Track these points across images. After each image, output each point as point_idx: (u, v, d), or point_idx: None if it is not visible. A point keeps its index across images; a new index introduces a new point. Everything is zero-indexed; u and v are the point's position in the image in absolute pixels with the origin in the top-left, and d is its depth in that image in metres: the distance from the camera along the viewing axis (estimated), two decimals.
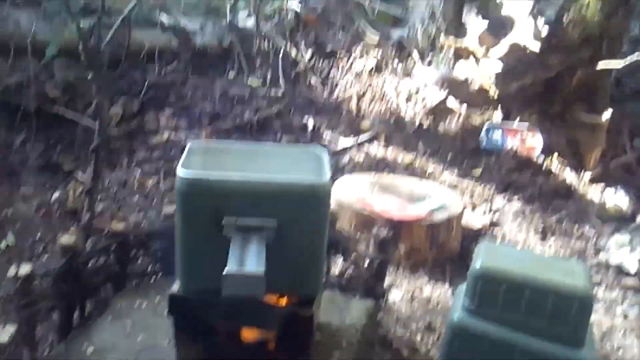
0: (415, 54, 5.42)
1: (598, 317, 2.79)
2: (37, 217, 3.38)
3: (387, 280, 2.27)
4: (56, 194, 3.60)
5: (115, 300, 2.08)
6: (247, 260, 1.40)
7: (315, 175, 1.59)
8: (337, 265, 2.32)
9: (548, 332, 1.51)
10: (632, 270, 3.19)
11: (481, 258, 1.61)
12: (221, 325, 1.74)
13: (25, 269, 1.73)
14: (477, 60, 4.76)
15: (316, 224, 1.59)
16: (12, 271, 1.73)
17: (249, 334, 1.73)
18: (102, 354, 1.78)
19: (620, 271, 3.22)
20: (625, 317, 2.85)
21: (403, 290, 2.80)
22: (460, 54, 5.06)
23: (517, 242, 3.42)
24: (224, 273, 1.37)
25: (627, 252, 3.29)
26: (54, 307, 1.95)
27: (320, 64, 5.51)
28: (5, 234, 3.07)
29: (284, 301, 1.68)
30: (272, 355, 1.70)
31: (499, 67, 4.61)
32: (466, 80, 4.86)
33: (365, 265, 2.23)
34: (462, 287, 1.74)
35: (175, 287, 1.68)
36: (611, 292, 3.05)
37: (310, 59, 5.38)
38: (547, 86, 4.53)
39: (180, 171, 1.55)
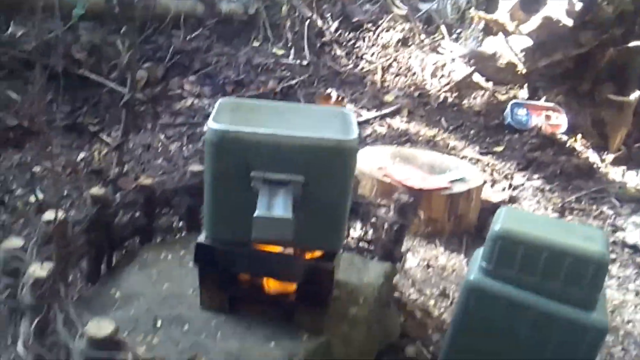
0: (443, 28, 5.38)
1: (611, 292, 2.82)
2: (64, 176, 3.46)
3: (405, 246, 2.30)
4: (82, 154, 3.67)
5: (142, 252, 2.14)
6: (275, 207, 1.45)
7: (343, 133, 1.63)
8: (357, 229, 2.37)
9: (562, 294, 1.54)
10: None
11: (501, 220, 1.63)
12: (245, 275, 1.80)
13: (59, 214, 1.79)
14: (506, 35, 4.71)
15: (342, 180, 1.62)
16: (46, 216, 1.80)
17: (271, 285, 1.79)
18: (129, 299, 1.85)
19: (636, 250, 3.23)
20: (637, 293, 2.87)
21: (419, 258, 2.85)
22: (489, 29, 5.02)
23: None
24: (254, 216, 1.41)
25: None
26: (84, 254, 2.03)
27: (346, 35, 5.51)
28: (34, 190, 3.15)
29: (306, 255, 1.73)
30: (292, 306, 1.76)
31: (528, 42, 4.57)
32: (494, 55, 4.83)
33: (385, 229, 2.27)
34: (479, 251, 1.77)
35: (202, 237, 1.74)
36: (625, 270, 3.07)
37: (336, 30, 5.37)
38: (576, 63, 4.48)
39: (212, 124, 1.60)
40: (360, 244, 2.32)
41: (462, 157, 3.95)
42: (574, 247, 1.54)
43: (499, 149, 4.17)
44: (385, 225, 2.28)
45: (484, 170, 3.86)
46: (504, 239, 1.60)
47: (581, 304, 1.53)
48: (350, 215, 2.15)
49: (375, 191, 3.04)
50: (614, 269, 3.04)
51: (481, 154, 4.12)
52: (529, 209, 3.52)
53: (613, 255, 3.15)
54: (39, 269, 1.44)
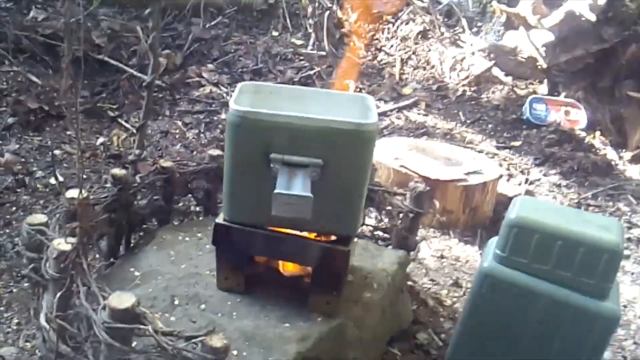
0: (463, 21, 5.35)
1: (624, 288, 2.81)
2: (84, 159, 3.51)
3: (419, 235, 2.32)
4: (101, 139, 3.72)
5: (160, 233, 2.18)
6: (295, 185, 1.47)
7: (362, 117, 1.64)
8: (372, 216, 2.38)
9: (575, 282, 1.54)
10: None
11: (517, 209, 1.64)
12: (261, 256, 1.82)
13: (83, 193, 1.83)
14: (528, 29, 4.68)
15: (360, 165, 1.64)
16: (69, 193, 1.84)
17: (287, 267, 1.82)
18: (147, 277, 1.89)
19: None
20: None
21: (433, 248, 2.86)
22: (510, 22, 4.98)
23: None
24: (274, 192, 1.44)
25: None
26: (105, 233, 2.07)
27: (365, 26, 5.49)
28: (54, 172, 3.20)
29: (322, 239, 1.75)
30: (307, 289, 1.78)
31: (550, 37, 4.53)
32: (514, 49, 4.79)
33: (400, 217, 2.28)
34: (494, 240, 1.78)
35: (220, 218, 1.77)
36: (639, 266, 3.06)
37: (355, 21, 5.36)
38: (597, 59, 4.44)
39: (233, 105, 1.62)
40: (375, 232, 2.34)
41: (479, 151, 3.94)
42: (588, 236, 1.55)
43: (517, 143, 4.15)
44: (401, 214, 2.29)
45: (501, 165, 3.85)
46: (519, 227, 1.60)
47: (594, 292, 1.54)
48: (366, 203, 2.16)
49: (391, 181, 3.05)
50: (627, 264, 3.03)
51: (498, 148, 4.10)
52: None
53: (628, 252, 3.13)
54: (63, 243, 1.48)
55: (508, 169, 3.86)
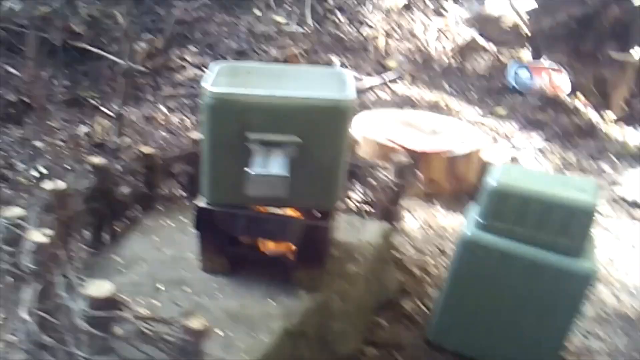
0: None
1: (607, 246, 2.86)
2: (66, 149, 3.48)
3: (404, 206, 2.32)
4: (83, 128, 3.68)
5: (144, 220, 2.17)
6: (271, 165, 1.46)
7: (339, 93, 1.62)
8: (356, 190, 2.38)
9: (552, 243, 1.55)
10: None
11: (495, 176, 1.64)
12: (243, 237, 1.82)
13: (61, 184, 1.82)
14: None
15: (337, 140, 1.63)
16: (47, 185, 1.83)
17: (269, 246, 1.82)
18: (131, 264, 1.89)
19: (633, 205, 3.24)
20: (633, 246, 2.90)
21: (418, 218, 2.87)
22: None
23: None
24: (249, 173, 1.43)
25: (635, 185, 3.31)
26: (87, 223, 2.06)
27: (349, 1, 5.44)
28: (36, 164, 3.17)
29: (302, 215, 1.75)
30: (291, 266, 1.78)
31: (532, 4, 4.50)
32: (498, 17, 4.76)
33: (383, 190, 2.28)
34: (474, 207, 1.78)
35: (201, 201, 1.76)
36: (621, 223, 3.11)
37: None
38: (580, 23, 4.41)
39: (207, 86, 1.60)
40: (360, 206, 2.34)
41: (465, 120, 3.93)
42: (562, 198, 1.56)
43: (502, 111, 4.14)
44: (384, 187, 2.29)
45: (487, 133, 3.85)
46: (497, 194, 1.61)
47: (569, 251, 1.55)
48: (350, 178, 2.16)
49: (377, 154, 3.04)
50: (610, 222, 3.07)
51: (483, 116, 4.10)
52: (537, 169, 3.52)
53: (612, 211, 3.16)
54: (39, 235, 1.47)
55: (494, 137, 3.86)
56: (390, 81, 4.54)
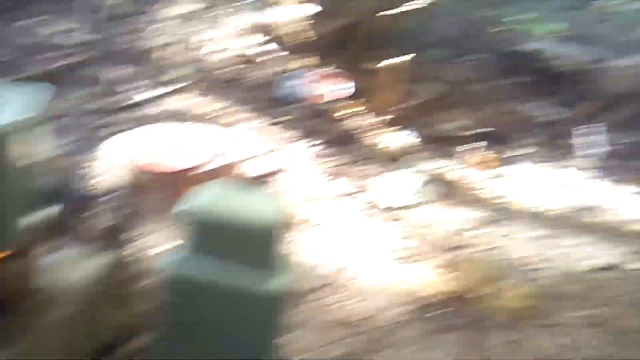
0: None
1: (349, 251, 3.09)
2: None
3: (133, 231, 2.22)
4: None
5: None
6: None
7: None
8: (74, 219, 2.23)
9: (241, 268, 1.54)
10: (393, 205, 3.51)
11: (181, 202, 1.59)
12: None
13: None
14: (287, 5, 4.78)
15: None
16: None
17: None
18: None
19: (389, 209, 3.50)
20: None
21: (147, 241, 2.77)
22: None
23: (305, 186, 3.57)
24: None
25: (389, 190, 3.59)
26: None
27: (130, 10, 5.24)
28: None
29: None
30: None
31: (317, 8, 4.67)
32: (280, 25, 4.88)
33: (108, 217, 2.17)
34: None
35: None
36: (377, 228, 3.35)
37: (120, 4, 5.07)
38: (347, 31, 4.68)
39: None
40: (81, 237, 2.19)
41: (237, 131, 3.95)
42: (239, 220, 1.56)
43: (276, 120, 4.24)
44: (109, 215, 2.18)
45: (256, 142, 3.88)
46: (182, 220, 1.57)
47: (254, 274, 1.54)
48: (69, 209, 2.00)
49: (129, 179, 2.90)
50: (364, 227, 3.27)
51: (259, 127, 4.15)
52: (298, 178, 3.63)
53: (367, 212, 3.39)
54: None
55: (263, 145, 3.90)
56: (168, 93, 4.43)
